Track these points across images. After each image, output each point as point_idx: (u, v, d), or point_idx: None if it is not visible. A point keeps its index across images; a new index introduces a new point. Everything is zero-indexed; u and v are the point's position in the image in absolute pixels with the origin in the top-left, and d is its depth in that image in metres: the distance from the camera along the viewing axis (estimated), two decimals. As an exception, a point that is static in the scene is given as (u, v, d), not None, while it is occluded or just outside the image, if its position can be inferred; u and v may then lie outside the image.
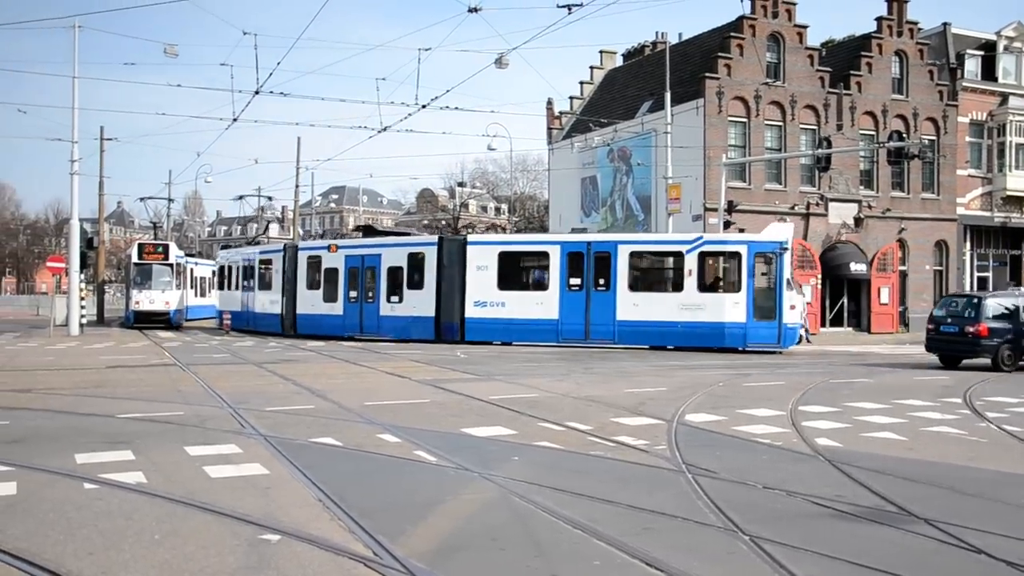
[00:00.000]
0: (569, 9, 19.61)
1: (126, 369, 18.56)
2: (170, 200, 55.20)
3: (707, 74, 32.63)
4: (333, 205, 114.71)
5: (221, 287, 38.25)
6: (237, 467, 8.33)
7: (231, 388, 14.73)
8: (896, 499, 7.30)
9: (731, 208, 30.56)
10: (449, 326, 27.94)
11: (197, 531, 6.26)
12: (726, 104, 32.76)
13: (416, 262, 28.71)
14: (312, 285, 31.11)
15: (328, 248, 31.39)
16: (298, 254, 32.06)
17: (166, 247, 37.53)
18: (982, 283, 39.78)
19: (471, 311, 27.58)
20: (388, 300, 29.03)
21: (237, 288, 35.87)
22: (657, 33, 44.16)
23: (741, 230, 28.66)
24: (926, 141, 34.98)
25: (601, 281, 26.30)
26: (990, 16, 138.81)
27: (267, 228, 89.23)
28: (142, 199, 48.91)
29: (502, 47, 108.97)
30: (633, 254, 26.51)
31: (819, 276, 34.01)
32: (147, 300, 35.55)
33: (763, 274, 25.66)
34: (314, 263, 31.36)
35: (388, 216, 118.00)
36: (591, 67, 45.64)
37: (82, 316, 32.55)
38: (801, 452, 9.55)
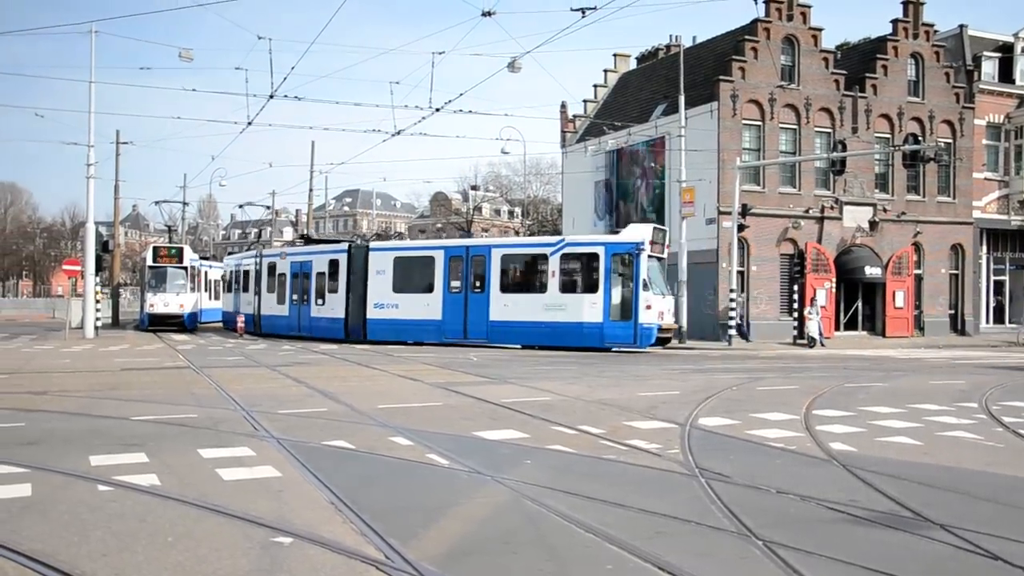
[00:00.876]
0: (583, 12, 19.63)
1: (140, 372, 18.65)
2: (185, 204, 55.49)
3: (721, 77, 32.55)
4: (347, 208, 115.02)
5: (227, 290, 39.66)
6: (250, 470, 8.34)
7: (244, 391, 14.77)
8: (911, 504, 7.24)
9: (745, 211, 30.48)
10: (355, 327, 30.31)
11: (210, 533, 6.27)
12: (740, 107, 32.67)
13: (333, 268, 31.39)
14: (270, 289, 34.57)
15: (280, 255, 34.77)
16: (262, 260, 35.22)
17: (180, 250, 37.73)
18: (998, 287, 39.51)
19: (372, 312, 29.99)
20: (316, 303, 32.08)
21: (239, 291, 37.74)
22: (671, 36, 44.09)
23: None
24: (942, 144, 34.78)
25: (477, 284, 28.15)
26: (1007, 18, 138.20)
27: (281, 232, 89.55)
28: (157, 203, 49.38)
29: (516, 51, 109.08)
30: (504, 257, 28.18)
31: (833, 280, 33.85)
32: (161, 303, 35.77)
33: (620, 275, 26.39)
34: (271, 269, 34.68)
35: (401, 219, 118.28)
36: (605, 70, 45.59)
37: (97, 319, 32.76)
38: (815, 456, 9.49)
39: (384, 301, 29.68)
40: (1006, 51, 38.81)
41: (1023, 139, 38.07)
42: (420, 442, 9.85)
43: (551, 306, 26.78)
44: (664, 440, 10.22)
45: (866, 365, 22.70)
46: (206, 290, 41.97)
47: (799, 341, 31.14)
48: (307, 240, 37.25)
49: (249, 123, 27.78)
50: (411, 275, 29.77)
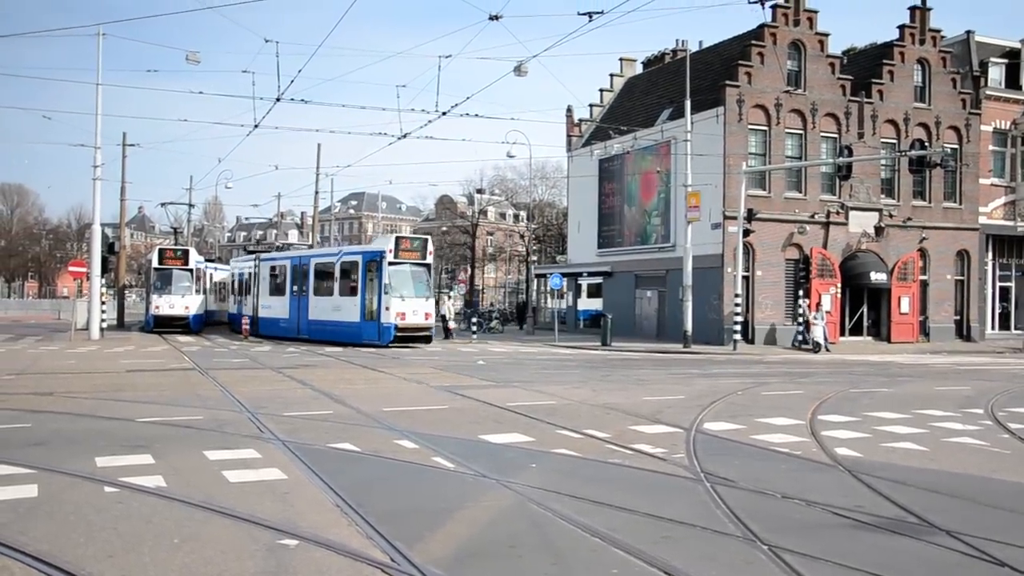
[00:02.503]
0: (590, 16, 19.61)
1: (146, 373, 18.68)
2: (191, 206, 55.64)
3: (727, 82, 32.54)
4: (352, 211, 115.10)
5: (233, 292, 40.81)
6: (256, 472, 8.36)
7: (249, 393, 14.80)
8: (917, 510, 7.23)
9: (750, 216, 30.44)
10: (249, 322, 35.57)
11: (216, 535, 6.29)
12: (746, 112, 32.65)
13: (257, 273, 37.23)
14: (236, 292, 40.59)
15: (256, 261, 38.39)
16: (234, 265, 41.58)
17: (186, 252, 37.81)
18: (1004, 293, 39.41)
19: (260, 312, 36.30)
20: (261, 303, 36.93)
21: (244, 294, 39.68)
22: (677, 41, 44.02)
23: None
24: (948, 150, 34.70)
25: (304, 288, 32.81)
26: (1015, 24, 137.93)
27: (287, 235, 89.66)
28: (163, 204, 49.61)
29: (522, 54, 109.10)
30: (316, 266, 32.62)
31: (839, 285, 33.80)
32: (167, 305, 35.80)
33: (371, 280, 29.37)
34: (241, 273, 40.51)
35: (407, 222, 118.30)
36: (611, 74, 45.60)
37: (103, 320, 32.82)
38: (820, 462, 9.48)
39: (264, 303, 36.18)
40: (1013, 57, 38.73)
41: (1030, 145, 37.99)
42: (425, 445, 9.86)
43: (336, 307, 30.86)
44: (669, 444, 10.22)
45: (871, 370, 22.66)
46: (212, 292, 42.09)
47: (804, 346, 31.09)
48: (250, 251, 43.68)
49: (256, 126, 27.98)
50: (277, 281, 35.47)
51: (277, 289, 35.13)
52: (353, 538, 6.26)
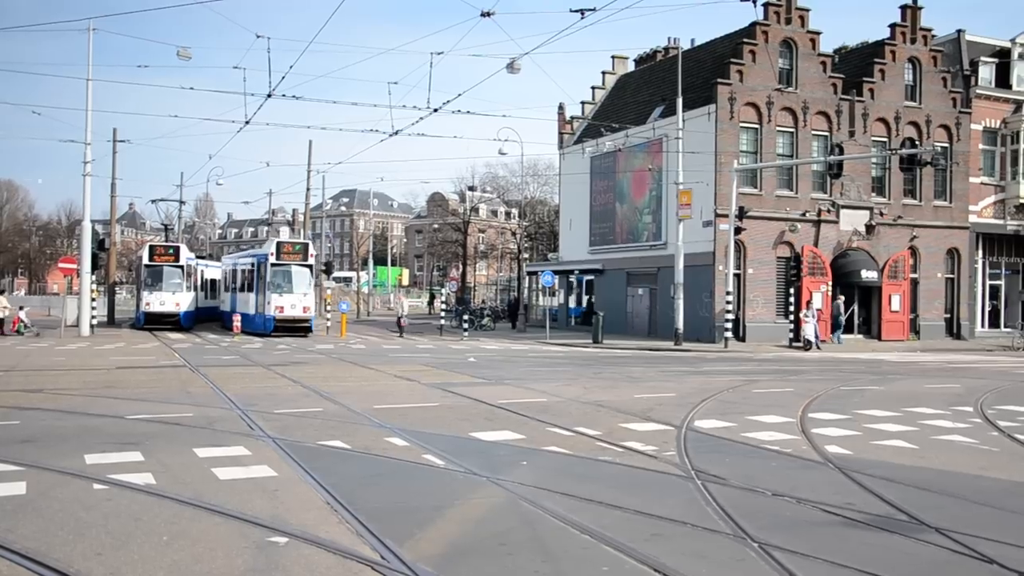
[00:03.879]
0: (582, 13, 19.59)
1: (136, 370, 18.61)
2: (181, 202, 55.48)
3: (719, 80, 32.55)
4: (344, 208, 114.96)
5: (225, 289, 41.23)
6: (246, 469, 8.34)
7: (240, 390, 14.76)
8: (907, 507, 7.25)
9: (742, 214, 30.47)
10: (241, 319, 35.71)
11: (206, 533, 6.26)
12: (738, 110, 32.67)
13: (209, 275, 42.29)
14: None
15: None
16: (225, 261, 43.35)
17: (177, 249, 37.67)
18: (994, 291, 39.55)
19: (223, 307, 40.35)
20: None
21: (235, 291, 39.49)
22: (669, 38, 43.99)
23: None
24: (939, 148, 34.75)
25: (235, 286, 37.21)
26: (1005, 24, 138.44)
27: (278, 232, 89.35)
28: (154, 201, 49.56)
29: (514, 51, 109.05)
30: (239, 266, 37.14)
31: (830, 283, 33.86)
32: (157, 302, 35.65)
33: (261, 278, 33.12)
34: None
35: (399, 220, 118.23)
36: (603, 72, 45.57)
37: (93, 317, 32.68)
38: (810, 459, 9.50)
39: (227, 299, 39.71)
40: (1003, 56, 38.82)
41: (1019, 144, 38.10)
42: (416, 443, 9.85)
43: (245, 302, 35.15)
44: (660, 442, 10.23)
45: (861, 368, 22.72)
46: (203, 289, 41.95)
47: (795, 344, 31.16)
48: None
49: (247, 122, 27.64)
50: (232, 279, 39.17)
51: (234, 287, 38.64)
52: (343, 536, 6.24)
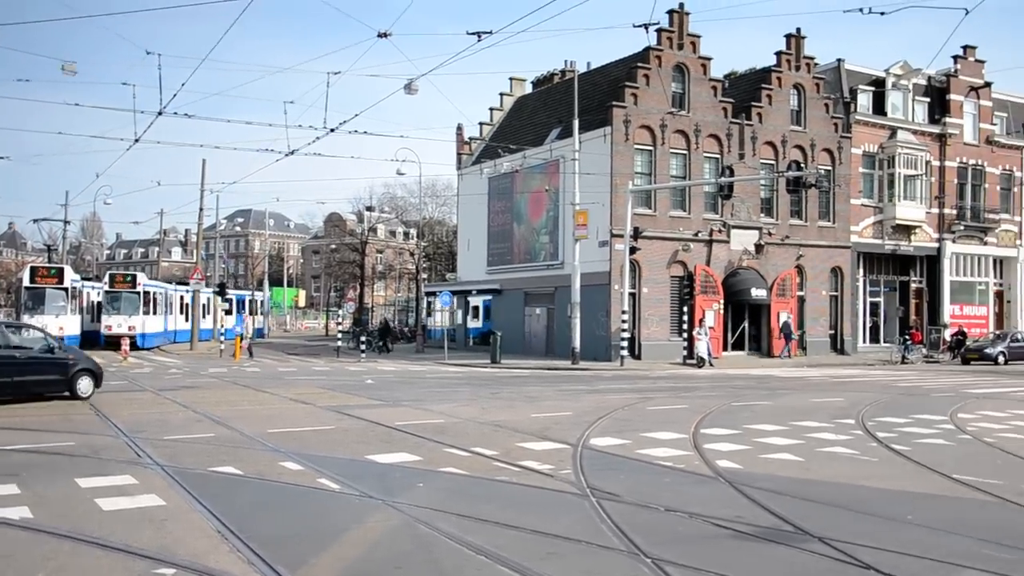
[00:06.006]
0: (479, 36, 19.73)
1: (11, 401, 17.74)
2: (66, 222, 53.35)
3: (614, 103, 33.21)
4: (239, 229, 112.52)
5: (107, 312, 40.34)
6: (132, 499, 8.05)
7: (127, 417, 14.26)
8: (792, 518, 7.49)
9: (637, 234, 31.08)
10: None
11: (86, 568, 6.02)
12: (633, 132, 33.37)
13: None
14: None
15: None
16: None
17: (60, 270, 36.22)
18: (874, 308, 41.33)
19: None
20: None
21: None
22: (566, 61, 44.75)
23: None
24: (822, 171, 36.24)
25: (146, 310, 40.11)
26: (881, 54, 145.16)
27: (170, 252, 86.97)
28: (36, 220, 47.64)
29: (412, 72, 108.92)
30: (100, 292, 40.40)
31: (721, 301, 34.79)
32: (40, 325, 34.13)
33: (100, 303, 39.36)
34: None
35: (295, 240, 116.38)
36: (501, 94, 45.96)
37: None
38: (703, 474, 9.73)
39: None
40: (879, 85, 40.79)
41: (895, 168, 40.02)
42: (311, 467, 9.69)
43: (96, 320, 39.58)
44: (556, 461, 10.31)
45: (752, 384, 23.39)
46: (89, 312, 40.44)
47: (689, 361, 31.85)
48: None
49: (136, 140, 26.86)
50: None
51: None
52: (234, 565, 6.09)
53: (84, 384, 16.96)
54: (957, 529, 7.37)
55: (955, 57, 42.79)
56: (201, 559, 6.16)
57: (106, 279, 40.64)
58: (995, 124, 43.92)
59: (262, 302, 63.57)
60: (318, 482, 8.95)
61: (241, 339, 35.72)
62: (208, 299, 48.24)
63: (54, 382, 16.69)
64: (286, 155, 27.03)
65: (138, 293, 39.10)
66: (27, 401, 16.26)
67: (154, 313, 40.97)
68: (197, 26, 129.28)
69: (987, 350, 35.91)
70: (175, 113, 31.74)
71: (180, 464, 9.77)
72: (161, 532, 6.93)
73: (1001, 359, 35.23)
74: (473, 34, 19.68)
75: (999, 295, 45.15)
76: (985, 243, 43.65)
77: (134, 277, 41.10)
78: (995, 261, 44.53)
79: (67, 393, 16.70)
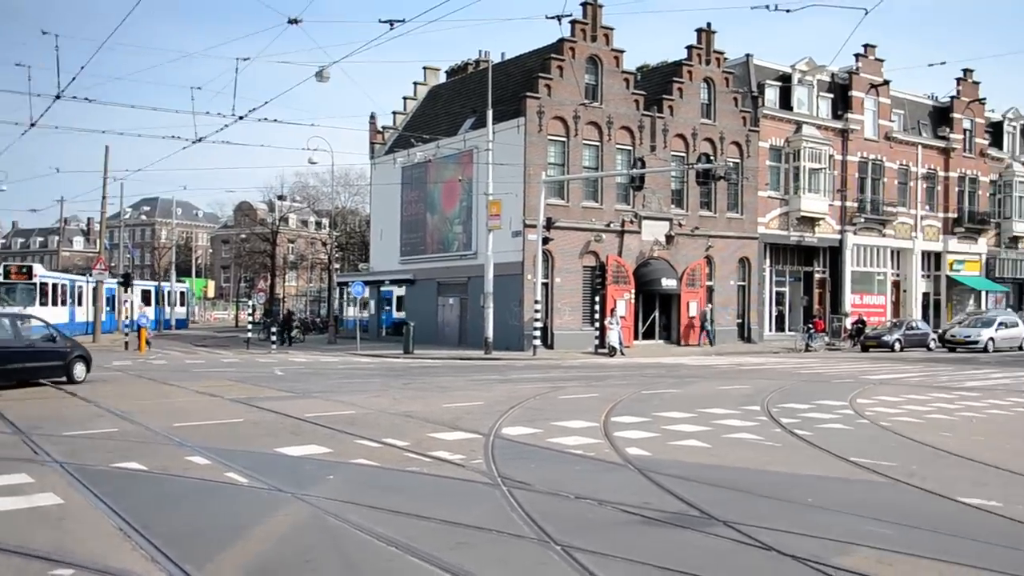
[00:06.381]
0: (391, 24, 19.56)
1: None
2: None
3: (528, 94, 33.33)
4: (144, 218, 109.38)
5: None
6: (27, 498, 7.77)
7: (23, 412, 13.74)
8: (699, 503, 7.67)
9: (550, 225, 31.31)
10: None
11: (-22, 568, 5.79)
12: (546, 123, 33.56)
13: None
14: None
15: None
16: None
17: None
18: (779, 297, 42.51)
19: None
20: None
21: None
22: (480, 51, 44.63)
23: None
24: (731, 164, 37.04)
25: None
26: (787, 51, 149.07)
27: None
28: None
29: (324, 60, 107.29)
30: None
31: (632, 291, 35.30)
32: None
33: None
34: None
35: (204, 229, 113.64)
36: (415, 83, 45.66)
37: None
38: (612, 462, 9.87)
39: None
40: (786, 81, 41.89)
41: (800, 161, 41.20)
42: (219, 460, 9.51)
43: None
44: (468, 451, 10.34)
45: (662, 372, 23.83)
46: None
47: (600, 350, 32.24)
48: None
49: (32, 124, 25.70)
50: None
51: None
52: (137, 563, 5.94)
53: (79, 369, 18.62)
54: (853, 510, 7.65)
55: (857, 55, 44.24)
56: (102, 558, 6.00)
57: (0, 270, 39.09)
58: (893, 121, 45.63)
59: (182, 293, 62.16)
60: (226, 476, 8.79)
61: (145, 331, 34.71)
62: (115, 290, 46.93)
63: (54, 368, 18.28)
64: (193, 143, 26.32)
65: (34, 285, 37.64)
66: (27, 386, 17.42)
67: (54, 305, 39.48)
68: (97, 6, 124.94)
69: (885, 338, 37.38)
70: (75, 97, 30.56)
71: (80, 461, 9.47)
72: (59, 532, 6.72)
73: (898, 346, 36.80)
74: (386, 22, 19.50)
75: (896, 285, 47.02)
76: (884, 235, 45.35)
77: (30, 268, 39.46)
78: (892, 252, 46.36)
79: (64, 378, 18.31)
